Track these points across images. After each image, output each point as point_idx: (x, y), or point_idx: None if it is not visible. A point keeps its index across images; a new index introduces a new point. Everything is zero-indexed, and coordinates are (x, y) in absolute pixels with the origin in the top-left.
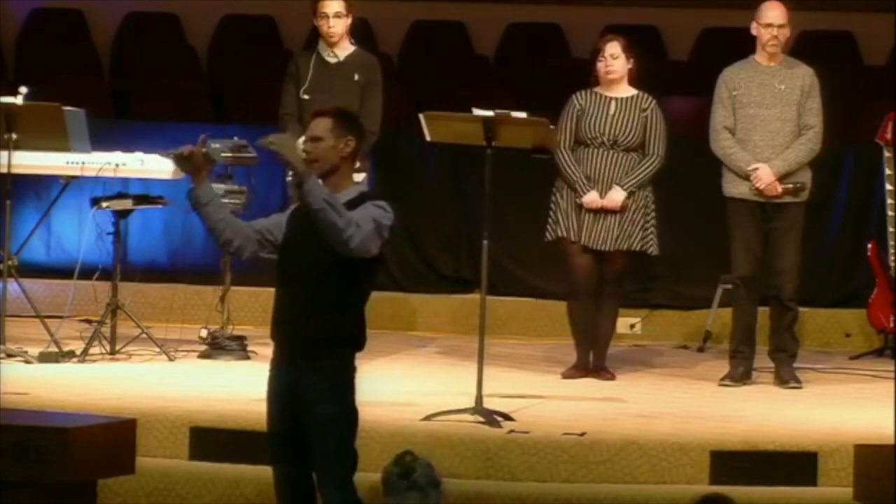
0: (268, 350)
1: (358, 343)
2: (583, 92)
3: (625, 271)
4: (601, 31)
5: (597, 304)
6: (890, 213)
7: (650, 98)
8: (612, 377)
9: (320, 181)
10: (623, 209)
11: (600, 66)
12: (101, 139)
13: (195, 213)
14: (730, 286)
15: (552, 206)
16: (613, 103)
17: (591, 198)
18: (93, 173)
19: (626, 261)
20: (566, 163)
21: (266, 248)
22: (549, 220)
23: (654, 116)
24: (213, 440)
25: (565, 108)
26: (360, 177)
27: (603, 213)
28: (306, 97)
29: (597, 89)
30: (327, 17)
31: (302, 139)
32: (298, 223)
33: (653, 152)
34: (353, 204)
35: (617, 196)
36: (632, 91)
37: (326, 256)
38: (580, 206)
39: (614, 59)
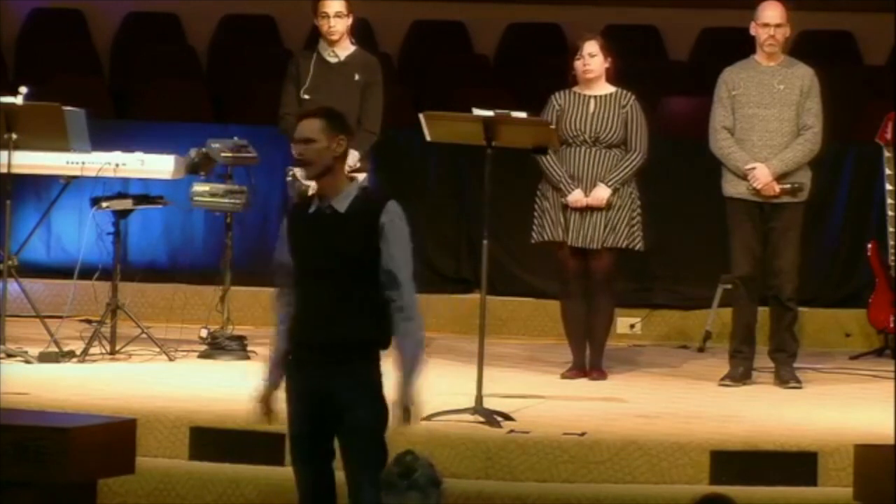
0: (268, 350)
1: (385, 342)
2: (562, 92)
3: (614, 269)
4: (601, 31)
5: (589, 304)
6: (890, 213)
7: (629, 94)
8: (602, 377)
9: (415, 384)
10: (608, 206)
11: (578, 64)
12: (101, 139)
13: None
14: (730, 286)
15: (536, 209)
16: (593, 101)
17: (576, 196)
18: (93, 173)
19: (615, 259)
20: (549, 163)
21: None
22: (535, 223)
23: (634, 112)
24: (213, 440)
25: (545, 109)
26: (360, 177)
27: (589, 211)
28: (307, 97)
29: (575, 89)
30: (328, 16)
31: None
32: (314, 225)
33: (635, 148)
34: (356, 205)
35: (602, 193)
36: (610, 88)
37: (353, 258)
38: (566, 206)
39: (592, 58)
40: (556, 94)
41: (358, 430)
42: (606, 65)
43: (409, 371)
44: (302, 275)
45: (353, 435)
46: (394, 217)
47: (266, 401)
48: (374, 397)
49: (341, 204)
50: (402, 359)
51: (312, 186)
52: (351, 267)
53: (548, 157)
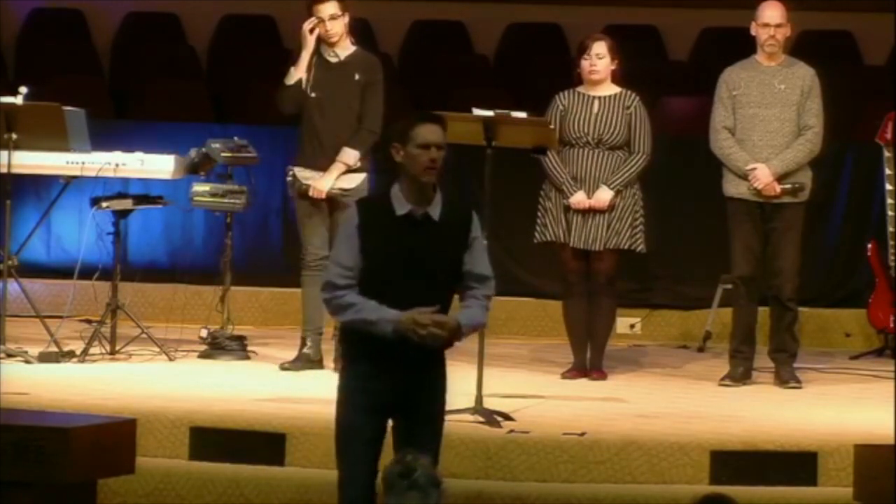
0: (268, 350)
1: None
2: (566, 92)
3: (616, 271)
4: (601, 31)
5: (592, 305)
6: (890, 213)
7: (633, 95)
8: (603, 377)
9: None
10: (611, 208)
11: (585, 64)
12: (101, 139)
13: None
14: (730, 286)
15: (540, 209)
16: (597, 102)
17: (579, 198)
18: (93, 173)
19: (617, 260)
20: (552, 164)
21: None
22: (538, 223)
23: (638, 114)
24: (213, 440)
25: (549, 109)
26: (360, 177)
27: (591, 212)
28: (314, 95)
29: (580, 89)
30: (323, 20)
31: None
32: (408, 229)
33: (638, 149)
34: (447, 213)
35: (604, 195)
36: (615, 89)
37: (449, 264)
38: (568, 207)
39: (599, 59)
40: (560, 94)
41: (431, 421)
42: (613, 67)
43: (471, 314)
44: (387, 277)
45: (426, 424)
46: (479, 227)
47: None
48: (444, 391)
49: (434, 211)
50: (469, 309)
51: (315, 187)
52: (445, 272)
53: (550, 158)
